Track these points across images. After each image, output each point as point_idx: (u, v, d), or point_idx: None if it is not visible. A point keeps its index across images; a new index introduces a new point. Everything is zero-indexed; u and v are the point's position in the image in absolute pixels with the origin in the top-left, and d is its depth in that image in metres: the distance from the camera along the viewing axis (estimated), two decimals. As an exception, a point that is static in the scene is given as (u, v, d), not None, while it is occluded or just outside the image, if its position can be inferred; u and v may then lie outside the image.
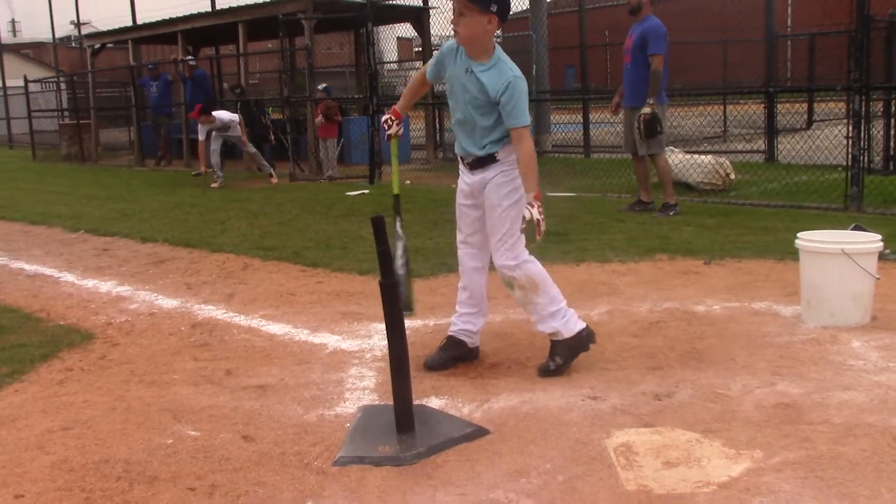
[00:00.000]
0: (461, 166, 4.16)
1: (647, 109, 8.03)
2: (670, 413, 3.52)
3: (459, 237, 4.25)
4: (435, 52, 4.24)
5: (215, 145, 13.35)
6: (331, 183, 13.04)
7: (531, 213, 3.77)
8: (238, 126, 13.31)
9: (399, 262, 3.93)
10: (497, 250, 4.03)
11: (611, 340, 4.48)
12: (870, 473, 2.90)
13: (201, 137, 13.41)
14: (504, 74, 3.88)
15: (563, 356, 4.06)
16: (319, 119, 13.62)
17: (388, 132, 4.35)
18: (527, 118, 3.93)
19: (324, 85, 14.53)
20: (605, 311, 5.06)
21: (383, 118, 4.34)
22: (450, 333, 4.31)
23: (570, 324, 4.08)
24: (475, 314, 4.29)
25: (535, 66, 15.44)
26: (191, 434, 3.52)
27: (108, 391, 4.09)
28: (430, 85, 4.32)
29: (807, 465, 2.99)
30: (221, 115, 13.27)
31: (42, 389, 4.15)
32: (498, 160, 3.99)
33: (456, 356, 4.25)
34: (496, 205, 4.00)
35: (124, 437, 3.51)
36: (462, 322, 4.28)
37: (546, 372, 4.03)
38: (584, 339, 4.10)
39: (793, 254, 5.17)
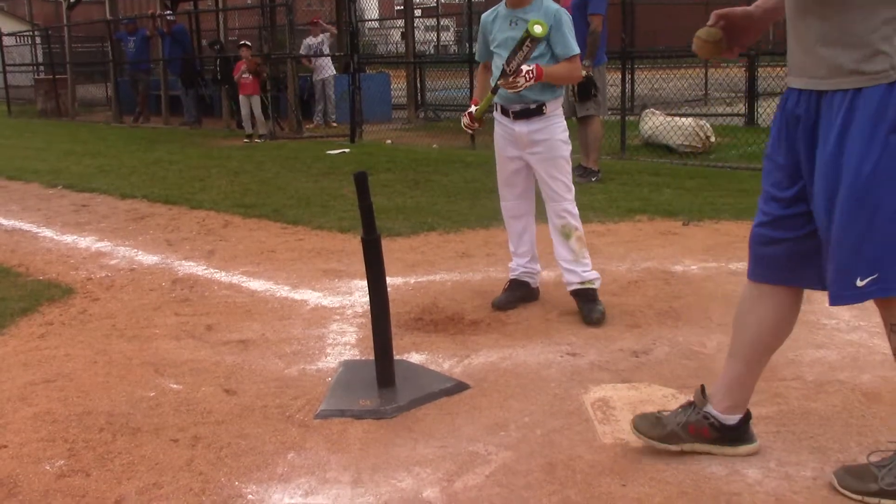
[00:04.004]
0: (500, 117, 4.25)
1: (581, 72, 7.79)
2: (647, 369, 3.59)
3: (509, 192, 4.40)
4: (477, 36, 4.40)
5: None
6: (294, 141, 12.97)
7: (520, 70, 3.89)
8: None
9: None
10: (565, 200, 4.19)
11: (590, 299, 4.53)
12: (839, 428, 2.98)
13: None
14: (549, 8, 4.05)
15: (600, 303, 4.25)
16: (246, 76, 13.32)
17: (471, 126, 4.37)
18: (576, 47, 4.08)
19: (248, 43, 14.36)
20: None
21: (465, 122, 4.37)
22: (513, 276, 4.51)
23: None
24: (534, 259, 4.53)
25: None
26: (173, 387, 3.55)
27: (89, 345, 4.10)
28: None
29: (779, 419, 3.06)
30: None
31: (23, 343, 4.16)
32: (545, 113, 4.12)
33: (521, 296, 4.47)
34: (561, 155, 4.16)
35: (106, 390, 3.53)
36: (526, 265, 4.51)
37: (602, 316, 4.15)
38: None
39: (770, 215, 5.23)
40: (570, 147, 4.22)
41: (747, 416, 2.81)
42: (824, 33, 2.33)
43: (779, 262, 2.62)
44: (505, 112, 4.21)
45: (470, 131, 4.35)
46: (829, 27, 2.31)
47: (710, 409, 2.80)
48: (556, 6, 4.08)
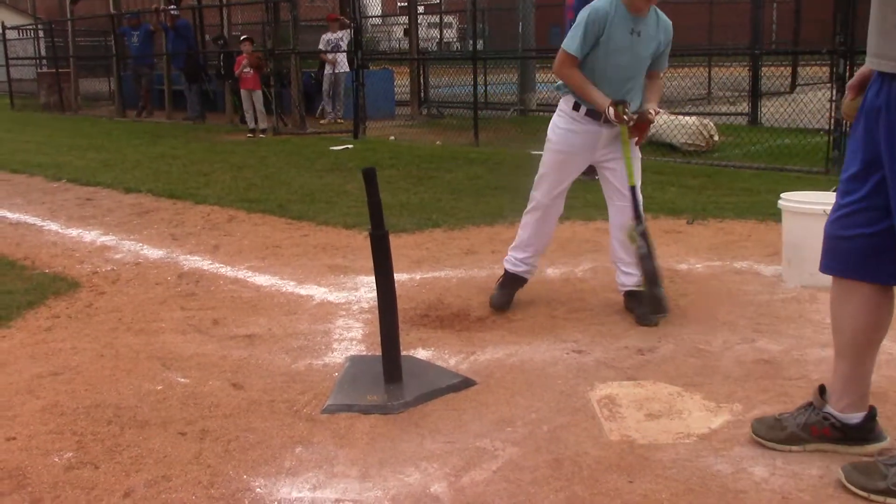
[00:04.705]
0: (583, 118, 4.09)
1: None
2: (653, 367, 3.60)
3: (557, 190, 4.25)
4: (577, 31, 3.96)
5: None
6: (296, 136, 12.98)
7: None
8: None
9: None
10: (639, 202, 4.14)
11: (594, 296, 4.55)
12: (845, 427, 2.99)
13: None
14: (665, 19, 4.05)
15: None
16: (247, 70, 13.35)
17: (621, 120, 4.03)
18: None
19: (245, 37, 14.35)
20: (588, 267, 5.12)
21: (615, 115, 3.97)
22: (515, 272, 4.42)
23: None
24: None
25: (521, 24, 15.37)
26: (180, 381, 3.56)
27: (95, 338, 4.12)
28: None
29: (785, 418, 3.07)
30: None
31: (29, 336, 4.17)
32: None
33: (515, 290, 4.44)
34: (638, 156, 4.17)
35: (114, 383, 3.54)
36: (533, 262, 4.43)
37: (658, 319, 4.11)
38: None
39: (774, 215, 5.25)
40: (640, 153, 4.21)
41: (871, 414, 2.75)
42: None
43: (853, 256, 2.61)
44: (593, 114, 4.04)
45: (626, 116, 4.00)
46: None
47: (830, 409, 2.76)
48: (669, 20, 4.07)
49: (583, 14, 3.97)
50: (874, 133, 2.49)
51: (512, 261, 4.43)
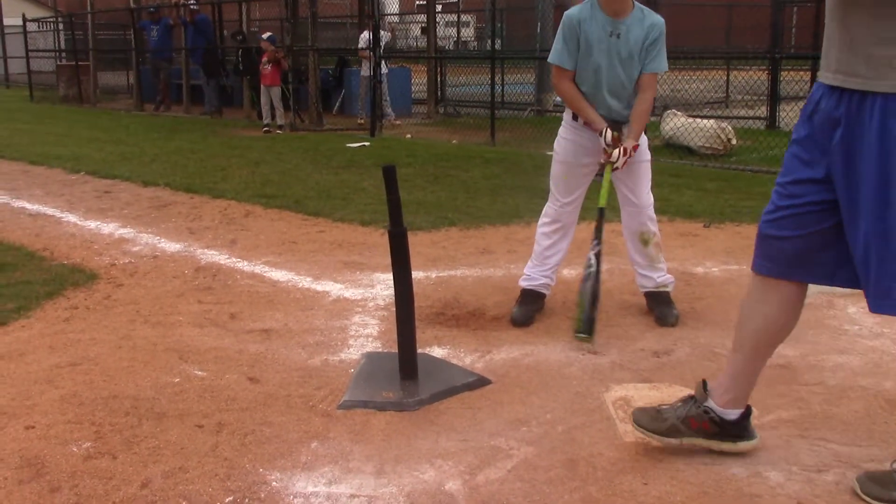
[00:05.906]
0: (581, 127, 4.05)
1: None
2: (668, 370, 3.60)
3: (568, 199, 4.19)
4: (556, 42, 3.98)
5: None
6: (314, 133, 12.99)
7: (618, 154, 3.87)
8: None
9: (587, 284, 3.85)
10: (648, 206, 4.13)
11: (610, 298, 4.54)
12: (862, 434, 2.98)
13: None
14: (652, 19, 3.91)
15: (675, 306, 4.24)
16: (266, 66, 13.36)
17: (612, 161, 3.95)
18: (665, 64, 3.98)
19: (269, 34, 14.36)
20: (605, 269, 5.09)
21: (612, 140, 3.91)
22: (531, 287, 4.31)
23: None
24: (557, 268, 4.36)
25: (539, 24, 15.36)
26: (197, 374, 3.58)
27: (113, 330, 4.15)
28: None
29: (800, 423, 3.07)
30: None
31: (48, 326, 4.21)
32: (629, 120, 4.03)
33: (537, 309, 4.31)
34: (646, 159, 4.11)
35: (132, 375, 3.57)
36: (550, 275, 4.32)
37: (676, 320, 4.14)
38: None
39: (793, 220, 5.21)
40: (649, 154, 4.14)
41: (747, 412, 2.81)
42: (877, 32, 2.27)
43: (788, 256, 2.62)
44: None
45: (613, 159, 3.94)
46: (883, 25, 2.25)
47: (711, 403, 2.81)
48: (659, 19, 3.91)
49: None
50: (829, 142, 2.45)
51: (528, 277, 4.34)
